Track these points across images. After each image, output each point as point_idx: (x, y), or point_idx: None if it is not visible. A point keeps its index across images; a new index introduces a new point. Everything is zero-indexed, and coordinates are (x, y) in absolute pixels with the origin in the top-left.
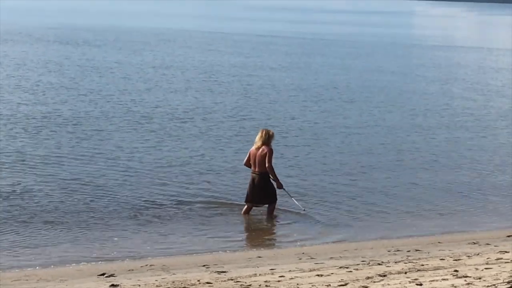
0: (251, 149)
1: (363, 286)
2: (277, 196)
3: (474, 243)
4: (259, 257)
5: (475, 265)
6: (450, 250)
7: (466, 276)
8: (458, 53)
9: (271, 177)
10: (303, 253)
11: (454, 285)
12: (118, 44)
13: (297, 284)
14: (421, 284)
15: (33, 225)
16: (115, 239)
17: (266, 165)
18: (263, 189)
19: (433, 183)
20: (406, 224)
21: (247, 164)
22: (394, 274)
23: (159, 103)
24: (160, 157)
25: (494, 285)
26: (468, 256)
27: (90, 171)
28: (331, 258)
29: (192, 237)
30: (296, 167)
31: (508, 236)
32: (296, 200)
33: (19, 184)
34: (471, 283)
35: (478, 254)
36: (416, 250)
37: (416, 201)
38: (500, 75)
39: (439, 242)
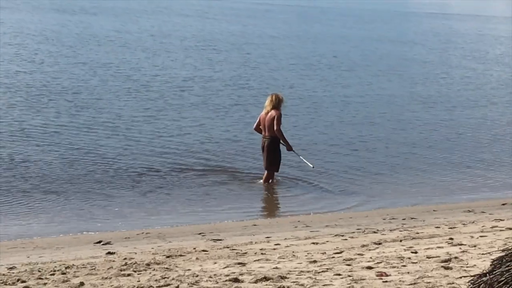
0: (260, 114)
1: (358, 254)
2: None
3: (469, 211)
4: (255, 225)
5: (470, 233)
6: (445, 218)
7: (461, 244)
8: (455, 21)
9: (281, 140)
10: (298, 221)
11: (449, 253)
12: (115, 12)
13: (293, 251)
14: (416, 252)
15: (30, 194)
16: (111, 207)
17: (275, 128)
18: (270, 154)
19: (432, 153)
20: (403, 192)
21: (257, 129)
22: (389, 242)
23: (158, 72)
24: (159, 126)
25: (489, 253)
26: (463, 224)
27: (88, 140)
28: (327, 226)
29: (190, 205)
30: (295, 136)
31: (503, 204)
32: (300, 158)
33: (18, 153)
34: (466, 251)
35: (473, 222)
36: (411, 218)
37: (414, 171)
38: (498, 43)
39: (434, 210)
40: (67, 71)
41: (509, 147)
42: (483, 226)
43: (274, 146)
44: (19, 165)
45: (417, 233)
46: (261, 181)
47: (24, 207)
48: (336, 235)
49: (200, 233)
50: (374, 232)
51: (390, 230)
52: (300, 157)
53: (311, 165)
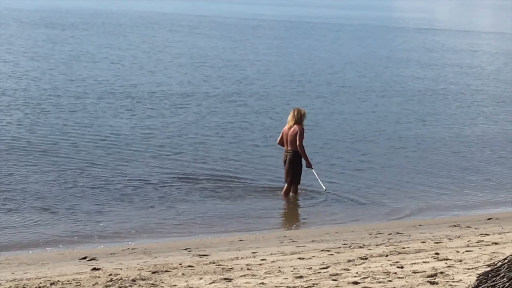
0: (284, 128)
1: (344, 269)
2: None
3: (455, 226)
4: (241, 240)
5: (456, 247)
6: (431, 233)
7: (447, 259)
8: (445, 36)
9: (302, 156)
10: (284, 236)
11: (435, 267)
12: (106, 28)
13: (279, 267)
14: (402, 267)
15: (16, 210)
16: (97, 222)
17: (297, 144)
18: (293, 168)
19: (424, 168)
20: (389, 207)
21: (280, 143)
22: (375, 257)
23: (155, 89)
24: (147, 140)
25: (475, 267)
26: (449, 238)
27: (80, 156)
28: (313, 241)
29: (176, 221)
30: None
31: (489, 219)
32: (316, 178)
33: (5, 169)
34: (451, 266)
35: (459, 236)
36: (397, 233)
37: (401, 186)
38: (494, 59)
39: (420, 225)
40: (61, 88)
41: (498, 165)
42: (468, 240)
43: (296, 160)
44: (5, 180)
45: (403, 248)
46: (282, 193)
47: (6, 222)
48: (322, 250)
49: (186, 249)
50: (360, 247)
51: (376, 245)
52: (317, 176)
53: (324, 188)
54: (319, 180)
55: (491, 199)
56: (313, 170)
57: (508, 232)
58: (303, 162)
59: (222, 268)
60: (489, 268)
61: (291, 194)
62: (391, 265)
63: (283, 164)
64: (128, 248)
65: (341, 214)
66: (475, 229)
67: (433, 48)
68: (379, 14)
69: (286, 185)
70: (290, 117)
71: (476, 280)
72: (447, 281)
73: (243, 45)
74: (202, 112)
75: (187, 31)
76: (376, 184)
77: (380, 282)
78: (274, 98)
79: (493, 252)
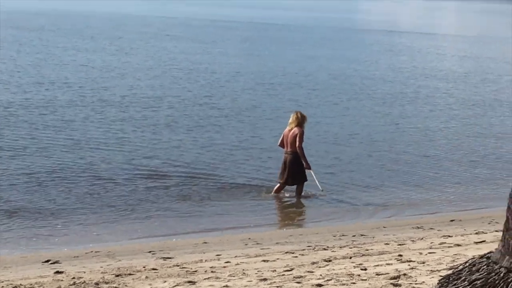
0: (284, 131)
1: (308, 271)
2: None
3: (418, 228)
4: (205, 243)
5: (419, 249)
6: (394, 235)
7: (410, 261)
8: (410, 39)
9: (301, 157)
10: (249, 238)
11: (398, 269)
12: (73, 30)
13: (243, 269)
14: (365, 269)
15: None
16: (61, 225)
17: (297, 145)
18: (293, 169)
19: (394, 171)
20: (354, 209)
21: (281, 144)
22: (339, 259)
23: (127, 92)
24: (118, 144)
25: (437, 269)
26: (412, 240)
27: (47, 159)
28: (277, 243)
29: (140, 223)
30: (259, 156)
31: (451, 221)
32: (314, 179)
33: None
34: (414, 268)
35: (422, 238)
36: (361, 235)
37: (366, 188)
38: (461, 62)
39: (384, 227)
40: (32, 91)
41: (467, 168)
42: (431, 242)
43: (296, 161)
44: None
45: (367, 250)
46: (273, 191)
47: None
48: (286, 252)
49: (150, 251)
50: (324, 249)
51: (340, 247)
52: (315, 177)
53: (321, 189)
54: (316, 182)
55: (454, 201)
56: (311, 171)
57: (471, 234)
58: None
59: (186, 271)
60: (450, 271)
61: (300, 194)
62: (354, 267)
63: (282, 165)
64: (92, 251)
65: (307, 216)
66: (438, 230)
67: (400, 50)
68: (344, 16)
69: (278, 184)
70: (291, 120)
71: (438, 283)
72: (410, 283)
73: (212, 48)
74: (174, 115)
75: (155, 33)
76: (346, 186)
77: (344, 284)
78: (245, 101)
79: (456, 254)
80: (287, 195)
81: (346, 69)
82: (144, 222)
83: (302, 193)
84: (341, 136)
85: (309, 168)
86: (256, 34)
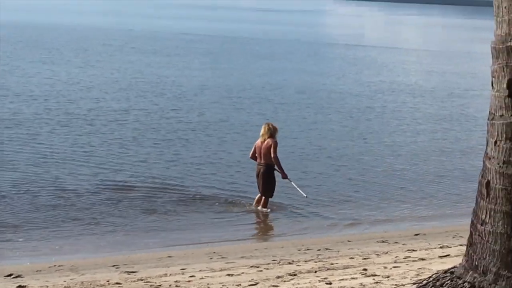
0: (256, 142)
1: (273, 286)
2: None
3: (383, 242)
4: (170, 256)
5: (383, 263)
6: (359, 249)
7: (375, 275)
8: (377, 53)
9: (276, 167)
10: (214, 252)
11: (363, 284)
12: (37, 42)
13: (208, 284)
14: (330, 283)
15: None
16: (22, 240)
17: (272, 156)
18: (265, 181)
19: (361, 185)
20: (319, 223)
21: (253, 156)
22: (304, 273)
23: (93, 105)
24: (85, 157)
25: (402, 284)
26: (377, 254)
27: (8, 171)
28: (242, 257)
29: (104, 237)
30: (226, 170)
31: (416, 235)
32: (295, 187)
33: None
34: (379, 282)
35: (386, 252)
36: (326, 249)
37: (331, 202)
38: (427, 76)
39: (348, 241)
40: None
41: (430, 180)
42: (396, 256)
43: (269, 173)
44: None
45: (332, 264)
46: (253, 205)
47: None
48: (251, 266)
49: (114, 265)
50: (289, 263)
51: (305, 261)
52: (294, 184)
53: (305, 195)
54: (298, 189)
55: (419, 215)
56: (289, 180)
57: (435, 248)
58: (277, 174)
59: (150, 285)
60: (415, 286)
61: (259, 207)
62: (319, 281)
63: (255, 177)
64: (55, 265)
65: (272, 229)
66: (403, 244)
67: (366, 65)
68: (308, 30)
69: (258, 196)
70: (263, 131)
71: None
72: None
73: (178, 60)
74: (141, 129)
75: (120, 46)
76: (313, 200)
77: None
78: (213, 114)
79: (420, 268)
80: (254, 208)
81: (313, 83)
82: (108, 235)
83: (267, 207)
84: (308, 151)
85: (286, 177)
86: (220, 47)
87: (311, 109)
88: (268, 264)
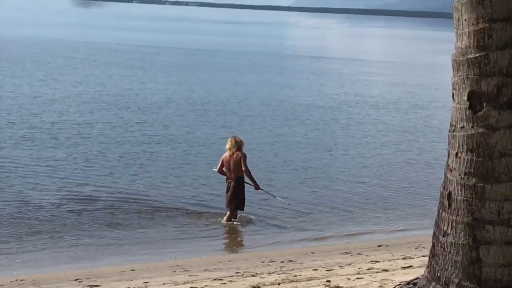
0: (223, 156)
1: None
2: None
3: (346, 253)
4: (133, 270)
5: (347, 275)
6: (322, 260)
7: (338, 287)
8: (341, 65)
9: (248, 179)
10: (177, 265)
11: None
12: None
13: None
14: None
15: None
16: None
17: (243, 168)
18: (237, 194)
19: (325, 197)
20: (282, 235)
21: (220, 171)
22: (267, 285)
23: (57, 119)
24: (49, 171)
25: None
26: (340, 266)
27: None
28: (205, 270)
29: (65, 250)
30: (191, 183)
31: (379, 246)
32: (273, 196)
33: None
34: None
35: (350, 264)
36: (290, 261)
37: (296, 213)
38: (391, 88)
39: (312, 252)
40: None
41: (394, 191)
42: (359, 268)
43: (239, 186)
44: None
45: (295, 276)
46: (224, 219)
47: None
48: (215, 279)
49: (76, 279)
50: (253, 276)
51: (269, 273)
52: (271, 194)
53: (287, 203)
54: (277, 198)
55: (383, 226)
56: (262, 190)
57: (398, 259)
58: (247, 187)
59: None
60: None
61: (230, 220)
62: None
63: (225, 190)
64: (17, 279)
65: (236, 242)
66: (366, 256)
67: (330, 77)
68: (271, 41)
69: (229, 212)
70: (229, 145)
71: None
72: None
73: (141, 73)
74: (105, 142)
75: (83, 59)
76: (277, 212)
77: None
78: (178, 127)
79: (383, 279)
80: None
81: (278, 95)
82: (71, 249)
83: (235, 219)
84: (274, 163)
85: (259, 188)
86: (184, 59)
87: (277, 121)
88: (232, 276)
